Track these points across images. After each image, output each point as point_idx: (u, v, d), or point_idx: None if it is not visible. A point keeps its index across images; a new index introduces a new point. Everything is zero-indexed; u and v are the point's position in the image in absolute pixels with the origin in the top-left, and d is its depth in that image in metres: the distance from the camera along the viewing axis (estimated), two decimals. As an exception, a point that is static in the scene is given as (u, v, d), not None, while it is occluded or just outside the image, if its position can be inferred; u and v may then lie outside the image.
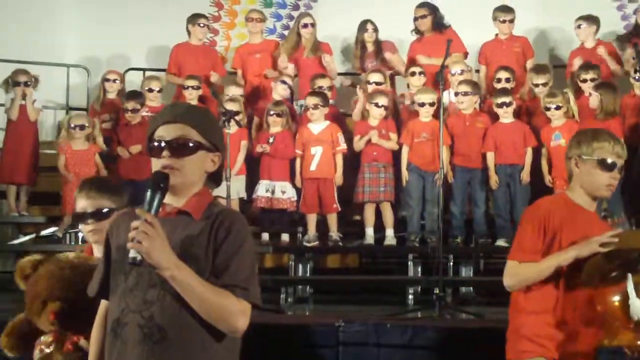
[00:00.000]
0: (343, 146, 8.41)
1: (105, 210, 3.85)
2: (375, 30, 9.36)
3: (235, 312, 2.74)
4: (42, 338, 3.58)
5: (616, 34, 9.69)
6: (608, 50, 9.00)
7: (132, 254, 2.64)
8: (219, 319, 2.74)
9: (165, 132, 2.86)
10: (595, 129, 4.08)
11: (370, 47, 9.37)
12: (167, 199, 2.82)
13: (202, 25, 9.74)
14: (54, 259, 3.58)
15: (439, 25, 9.28)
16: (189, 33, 9.74)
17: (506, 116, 8.23)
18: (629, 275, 3.57)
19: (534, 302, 3.83)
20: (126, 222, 2.72)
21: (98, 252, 3.88)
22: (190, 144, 2.85)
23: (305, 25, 9.40)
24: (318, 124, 8.47)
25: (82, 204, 3.90)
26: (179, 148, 2.84)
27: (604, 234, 3.68)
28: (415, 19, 9.32)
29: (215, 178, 2.97)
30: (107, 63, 10.21)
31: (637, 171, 7.78)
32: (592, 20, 9.06)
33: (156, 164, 2.85)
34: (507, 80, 8.68)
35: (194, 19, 9.74)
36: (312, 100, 8.47)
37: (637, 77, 8.26)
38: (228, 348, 2.84)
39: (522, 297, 3.86)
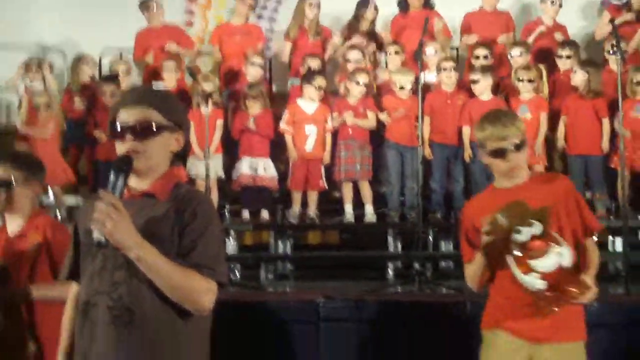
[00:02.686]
0: (330, 126, 8.38)
1: (8, 181, 4.01)
2: (376, 9, 9.30)
3: (201, 290, 2.77)
4: None
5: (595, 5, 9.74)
6: (564, 37, 9.05)
7: (96, 235, 2.66)
8: (184, 298, 2.76)
9: (127, 116, 2.87)
10: (488, 112, 4.08)
11: (365, 26, 9.32)
12: (133, 181, 2.85)
13: (154, 9, 9.65)
14: None
15: (427, 3, 9.25)
16: (148, 19, 9.68)
17: (484, 93, 8.22)
18: (508, 258, 3.60)
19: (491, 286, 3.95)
20: (92, 206, 2.73)
21: (8, 223, 4.09)
22: (153, 127, 2.87)
23: (311, 6, 9.32)
24: (311, 103, 8.44)
25: None
26: (141, 131, 2.85)
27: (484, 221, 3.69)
28: None
29: (181, 156, 2.99)
30: (83, 46, 10.10)
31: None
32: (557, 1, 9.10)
33: (120, 148, 2.87)
34: (485, 57, 8.68)
35: (144, 5, 9.67)
36: (320, 82, 8.39)
37: (611, 52, 8.28)
38: (197, 327, 2.86)
39: None
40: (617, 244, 7.70)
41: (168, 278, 2.72)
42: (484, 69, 8.33)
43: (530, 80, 8.12)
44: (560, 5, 9.15)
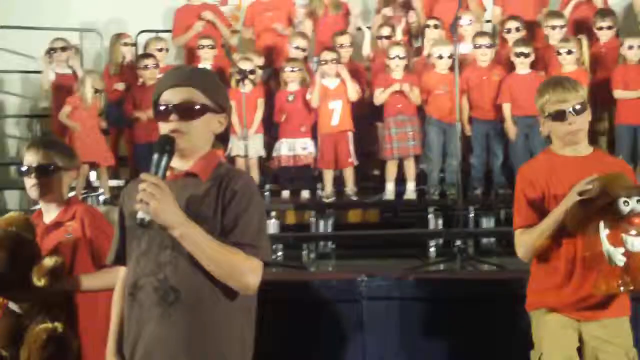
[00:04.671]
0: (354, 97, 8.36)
1: (50, 167, 3.93)
2: None
3: (246, 269, 2.77)
4: None
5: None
6: (603, 4, 8.88)
7: (140, 215, 2.68)
8: (229, 276, 2.76)
9: (171, 96, 2.87)
10: (550, 78, 4.05)
11: None
12: (175, 162, 2.84)
13: None
14: (7, 231, 3.63)
15: None
16: None
17: (522, 67, 8.13)
18: (601, 224, 3.51)
19: (537, 256, 3.86)
20: (137, 189, 2.73)
21: (44, 211, 4.01)
22: (197, 107, 2.87)
23: None
24: (333, 79, 8.43)
25: (29, 159, 3.97)
26: (185, 111, 2.86)
27: (580, 181, 3.62)
28: None
29: (222, 138, 3.00)
30: (119, 26, 10.15)
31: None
32: None
33: (164, 128, 2.87)
34: (517, 29, 8.55)
35: None
36: (328, 56, 8.42)
37: None
38: (243, 307, 2.87)
39: None
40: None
41: (212, 256, 2.73)
42: (526, 42, 8.19)
43: (569, 52, 7.96)
44: None
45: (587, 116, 3.89)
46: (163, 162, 2.74)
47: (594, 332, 3.81)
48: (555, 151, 3.93)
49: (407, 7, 9.30)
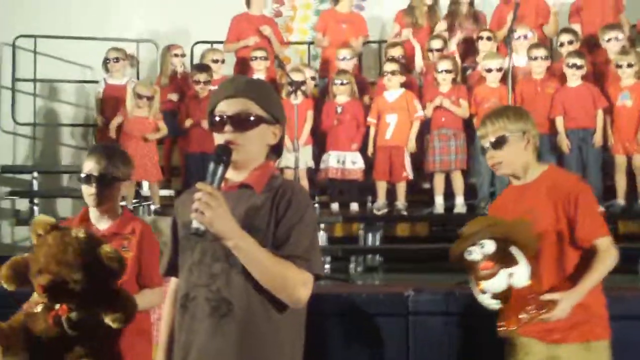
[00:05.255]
0: (420, 113, 8.36)
1: (110, 176, 3.92)
2: None
3: (297, 283, 2.76)
4: (35, 295, 3.58)
5: None
6: None
7: (194, 224, 2.66)
8: (281, 289, 2.75)
9: (227, 107, 2.87)
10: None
11: (464, 8, 9.26)
12: (229, 173, 2.83)
13: None
14: (66, 231, 3.53)
15: None
16: (248, 3, 9.71)
17: (574, 79, 8.03)
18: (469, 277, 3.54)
19: None
20: (191, 199, 2.72)
21: (95, 217, 3.98)
22: (252, 118, 2.86)
23: None
24: (393, 92, 8.42)
25: (90, 166, 3.95)
26: (241, 122, 2.84)
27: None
28: None
29: (276, 150, 2.98)
30: (174, 37, 10.25)
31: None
32: None
33: (219, 139, 2.86)
34: (570, 42, 8.45)
35: None
36: (389, 67, 8.42)
37: None
38: (293, 320, 2.85)
39: None
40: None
41: (265, 268, 2.72)
42: (580, 54, 8.09)
43: (629, 65, 7.83)
44: None
45: (513, 147, 3.78)
46: (219, 172, 2.74)
47: (564, 357, 3.69)
48: (512, 180, 3.93)
49: (477, 21, 9.24)
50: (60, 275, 3.41)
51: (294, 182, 3.06)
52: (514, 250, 3.47)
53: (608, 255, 3.68)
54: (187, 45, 10.17)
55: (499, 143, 3.78)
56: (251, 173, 2.89)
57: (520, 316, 3.47)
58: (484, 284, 3.45)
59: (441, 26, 9.24)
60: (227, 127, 2.84)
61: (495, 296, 3.44)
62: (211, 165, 2.74)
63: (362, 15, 10.02)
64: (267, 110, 2.89)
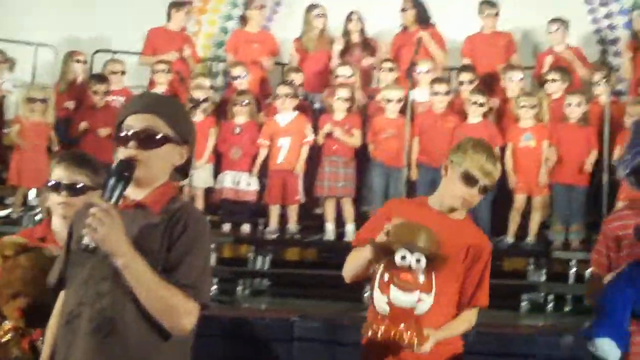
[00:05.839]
0: (310, 138, 8.38)
1: (79, 185, 3.74)
2: (360, 20, 9.32)
3: (183, 311, 2.71)
4: (3, 323, 3.43)
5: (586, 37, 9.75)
6: (577, 55, 9.01)
7: (86, 240, 2.61)
8: (165, 315, 2.70)
9: (134, 122, 2.82)
10: (481, 140, 3.93)
11: (355, 38, 9.33)
12: (129, 190, 2.77)
13: (186, 12, 9.68)
14: (37, 251, 3.42)
15: (422, 20, 9.24)
16: (169, 17, 9.63)
17: (475, 115, 8.18)
18: (380, 267, 3.40)
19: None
20: (88, 212, 2.66)
21: (60, 226, 3.75)
22: (158, 136, 2.81)
23: (318, 16, 9.35)
24: (285, 115, 8.42)
25: (59, 174, 3.75)
26: (146, 139, 2.80)
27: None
28: (400, 11, 9.30)
29: (182, 171, 2.93)
30: (75, 44, 10.05)
31: (598, 179, 7.79)
32: (564, 23, 9.05)
33: (122, 154, 2.81)
34: (470, 82, 8.61)
35: (179, 5, 9.65)
36: (282, 90, 8.42)
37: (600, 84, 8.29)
38: (178, 344, 2.79)
39: None
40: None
41: (152, 292, 2.67)
42: (482, 92, 8.26)
43: (532, 107, 8.02)
44: (567, 28, 9.04)
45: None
46: (118, 188, 2.68)
47: None
48: (431, 204, 3.76)
49: (368, 49, 9.33)
50: (39, 298, 3.27)
51: (193, 207, 3.01)
52: (433, 275, 3.42)
53: (472, 322, 3.70)
54: (87, 54, 9.97)
55: (490, 190, 3.75)
56: (151, 192, 2.83)
57: (386, 329, 3.38)
58: (394, 292, 3.36)
59: (335, 49, 9.29)
60: (132, 143, 2.79)
61: (391, 306, 3.36)
62: (111, 181, 2.69)
63: (272, 34, 10.05)
64: (175, 130, 2.85)
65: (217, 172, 8.57)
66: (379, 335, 3.39)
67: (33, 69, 9.96)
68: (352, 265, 3.67)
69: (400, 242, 3.37)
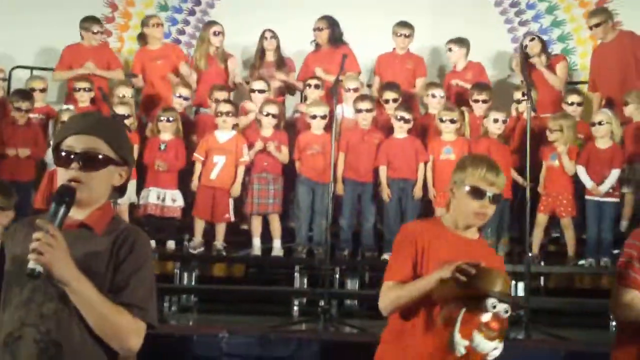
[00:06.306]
0: (246, 158, 8.36)
1: None
2: (275, 37, 9.38)
3: (130, 331, 2.71)
4: None
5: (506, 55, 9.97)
6: (478, 70, 9.22)
7: (31, 265, 2.55)
8: (112, 337, 2.69)
9: (75, 143, 2.80)
10: (478, 154, 4.03)
11: (270, 56, 9.38)
12: (70, 211, 2.75)
13: (95, 32, 9.57)
14: None
15: (335, 40, 9.34)
16: (82, 36, 9.55)
17: (401, 131, 8.29)
18: (462, 311, 3.41)
19: (388, 329, 3.73)
20: (24, 232, 2.64)
21: None
22: (100, 157, 2.81)
23: (216, 34, 9.35)
24: (225, 133, 8.41)
25: None
26: (88, 161, 2.78)
27: (464, 260, 3.47)
28: (314, 30, 9.39)
29: (120, 190, 2.93)
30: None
31: (521, 195, 7.93)
32: (461, 42, 9.25)
33: (63, 175, 2.79)
34: (395, 100, 8.72)
35: (88, 24, 9.53)
36: (224, 108, 8.40)
37: (519, 100, 8.49)
38: None
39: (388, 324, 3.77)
40: (520, 288, 7.79)
41: (99, 314, 2.65)
42: (408, 109, 8.38)
43: (452, 121, 8.19)
44: (468, 48, 9.25)
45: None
46: (60, 213, 2.65)
47: None
48: (446, 224, 3.80)
49: (282, 67, 9.39)
50: None
51: (137, 227, 3.00)
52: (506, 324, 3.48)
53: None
54: (5, 69, 9.80)
55: (498, 200, 3.74)
56: (92, 213, 2.82)
57: None
58: (478, 338, 3.38)
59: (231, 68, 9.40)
60: (74, 164, 2.77)
61: (469, 350, 3.38)
62: (52, 206, 2.66)
63: (178, 45, 10.05)
64: (116, 151, 2.85)
65: (139, 187, 8.49)
66: None
67: None
68: (401, 300, 3.61)
69: (486, 289, 3.40)
